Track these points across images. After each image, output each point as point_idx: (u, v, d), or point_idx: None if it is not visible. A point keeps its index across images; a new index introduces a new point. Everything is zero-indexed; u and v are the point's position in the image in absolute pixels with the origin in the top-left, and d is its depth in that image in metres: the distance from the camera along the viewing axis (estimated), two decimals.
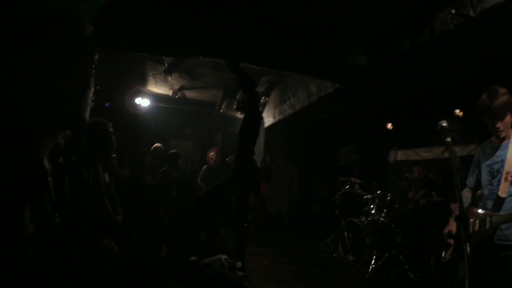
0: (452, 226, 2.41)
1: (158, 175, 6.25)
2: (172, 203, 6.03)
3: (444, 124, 2.10)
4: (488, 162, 2.44)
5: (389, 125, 6.33)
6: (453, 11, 2.68)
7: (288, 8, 3.50)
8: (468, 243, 1.65)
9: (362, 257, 4.74)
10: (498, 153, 2.39)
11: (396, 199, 4.88)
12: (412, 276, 4.30)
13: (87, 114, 0.92)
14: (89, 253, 2.17)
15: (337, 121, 7.66)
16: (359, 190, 5.98)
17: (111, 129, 2.81)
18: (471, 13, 2.54)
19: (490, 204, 2.39)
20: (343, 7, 3.37)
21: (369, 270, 4.47)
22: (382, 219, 5.03)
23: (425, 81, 4.54)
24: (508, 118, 2.28)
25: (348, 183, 6.27)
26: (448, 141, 2.00)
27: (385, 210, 5.18)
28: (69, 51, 0.84)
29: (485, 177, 2.48)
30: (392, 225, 4.68)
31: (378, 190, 5.47)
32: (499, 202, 2.30)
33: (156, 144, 7.24)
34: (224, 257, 3.94)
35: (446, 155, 1.92)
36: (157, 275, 4.17)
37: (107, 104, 6.33)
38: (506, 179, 2.28)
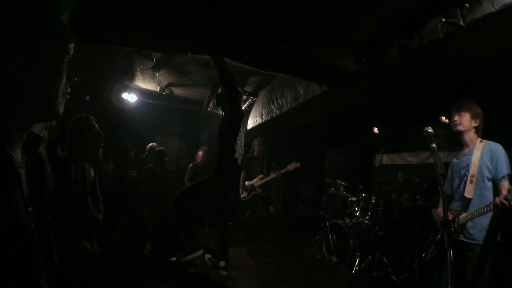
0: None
1: (143, 171, 6.20)
2: (157, 201, 5.98)
3: (430, 130, 2.16)
4: (457, 168, 2.77)
5: (376, 129, 6.39)
6: (443, 20, 2.72)
7: (279, 9, 3.49)
8: (451, 249, 1.68)
9: (346, 258, 4.78)
10: (464, 159, 2.73)
11: (381, 203, 4.93)
12: (395, 279, 4.36)
13: (61, 106, 0.89)
14: (69, 253, 2.13)
15: (324, 123, 7.69)
16: (344, 193, 6.03)
17: (96, 126, 2.75)
18: (461, 22, 2.57)
19: (458, 205, 2.65)
20: (334, 11, 3.39)
21: (353, 272, 4.51)
22: (366, 221, 5.08)
23: (413, 88, 4.60)
24: (467, 117, 2.67)
25: (334, 185, 6.32)
26: (433, 147, 2.04)
27: (369, 213, 5.24)
28: (38, 39, 0.80)
29: (455, 182, 2.76)
30: (376, 228, 4.73)
31: (363, 193, 5.52)
32: (466, 202, 2.58)
33: (151, 144, 7.24)
34: (207, 256, 3.92)
35: (431, 160, 1.96)
36: (140, 272, 4.13)
37: (87, 97, 6.24)
38: (471, 181, 2.58)
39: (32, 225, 0.83)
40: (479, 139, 2.70)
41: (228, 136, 3.75)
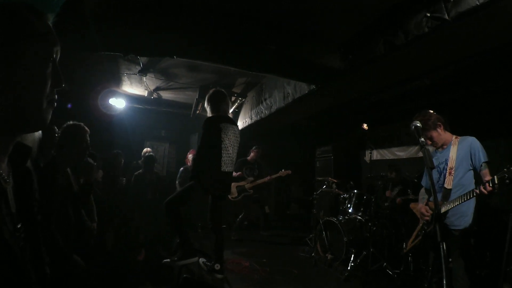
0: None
1: (133, 178, 6.15)
2: (147, 207, 5.93)
3: (418, 124, 2.18)
4: (436, 163, 2.97)
5: (365, 125, 6.44)
6: (428, 14, 2.74)
7: (263, 8, 3.49)
8: (444, 242, 1.68)
9: (341, 255, 4.79)
10: (441, 155, 3.02)
11: (373, 198, 4.95)
12: (390, 273, 4.39)
13: (48, 114, 0.82)
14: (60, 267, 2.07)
15: (313, 122, 7.72)
16: (336, 190, 6.05)
17: (88, 139, 2.69)
18: (446, 16, 2.60)
19: (439, 196, 2.86)
20: (318, 8, 3.40)
21: (348, 268, 4.52)
22: (359, 217, 5.11)
23: (400, 83, 4.63)
24: (431, 133, 2.95)
25: (326, 183, 6.34)
26: (422, 141, 2.05)
27: (362, 209, 5.26)
28: (19, 42, 0.75)
29: (435, 176, 2.97)
30: (369, 224, 4.75)
31: (355, 189, 5.55)
32: (446, 193, 2.85)
33: (145, 149, 7.20)
34: (202, 260, 3.89)
35: (421, 154, 1.98)
36: (135, 279, 4.08)
37: (69, 105, 6.14)
38: (450, 173, 2.86)
39: (22, 242, 0.78)
40: (454, 136, 3.00)
41: (202, 151, 3.72)
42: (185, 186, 3.84)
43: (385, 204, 5.28)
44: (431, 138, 2.98)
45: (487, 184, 2.42)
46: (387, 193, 5.43)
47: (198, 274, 3.69)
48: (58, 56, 0.86)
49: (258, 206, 7.04)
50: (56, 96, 0.85)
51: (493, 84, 4.68)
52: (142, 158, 7.06)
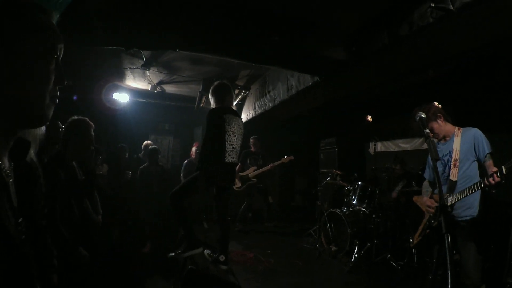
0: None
1: (138, 171, 6.17)
2: (153, 200, 5.96)
3: (423, 116, 2.17)
4: (440, 155, 2.97)
5: (369, 117, 6.41)
6: (433, 5, 2.71)
7: (266, 1, 3.46)
8: (449, 234, 1.68)
9: (345, 247, 4.81)
10: (445, 147, 2.99)
11: (377, 190, 4.96)
12: (394, 264, 4.40)
13: (49, 110, 0.82)
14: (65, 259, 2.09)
15: (317, 114, 7.70)
16: (340, 182, 6.06)
17: (92, 134, 2.71)
18: (450, 7, 2.56)
19: (444, 188, 2.83)
20: (322, 0, 3.36)
21: (352, 260, 4.55)
22: (363, 209, 5.12)
23: (404, 75, 4.59)
24: (433, 125, 2.94)
25: (330, 174, 6.35)
26: (426, 132, 2.03)
27: (366, 201, 5.27)
28: (21, 37, 0.75)
29: (439, 169, 2.95)
30: (373, 215, 4.76)
31: (359, 181, 5.55)
32: (452, 185, 2.84)
33: (145, 142, 7.23)
34: (207, 251, 3.92)
35: (425, 146, 1.97)
36: (141, 271, 4.13)
37: (74, 97, 6.17)
38: (454, 165, 2.85)
39: (23, 236, 0.78)
40: (457, 128, 2.97)
41: (207, 142, 3.70)
42: (189, 177, 3.85)
43: (390, 203, 5.28)
44: (431, 130, 2.94)
45: (495, 174, 2.39)
46: (393, 194, 5.41)
47: (203, 265, 3.72)
48: (62, 53, 0.86)
49: (262, 196, 7.13)
50: (58, 93, 0.85)
51: (498, 79, 4.63)
52: (143, 151, 7.09)
